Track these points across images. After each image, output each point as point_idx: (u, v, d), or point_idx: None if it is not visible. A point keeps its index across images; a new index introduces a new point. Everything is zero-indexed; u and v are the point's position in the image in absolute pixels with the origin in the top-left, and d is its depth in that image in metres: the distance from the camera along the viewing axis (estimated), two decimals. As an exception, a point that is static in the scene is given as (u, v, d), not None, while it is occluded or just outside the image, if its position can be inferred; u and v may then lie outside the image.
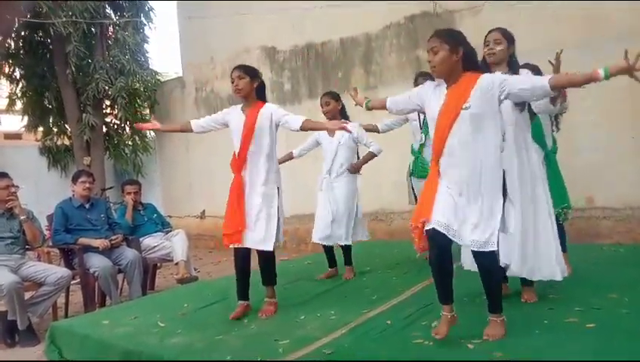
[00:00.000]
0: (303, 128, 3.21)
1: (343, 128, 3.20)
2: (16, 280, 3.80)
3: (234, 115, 3.40)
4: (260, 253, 3.32)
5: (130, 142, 9.32)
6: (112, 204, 6.52)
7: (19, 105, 9.11)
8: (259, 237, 3.25)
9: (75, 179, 4.71)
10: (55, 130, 9.05)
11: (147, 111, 9.30)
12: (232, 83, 3.32)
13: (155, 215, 5.41)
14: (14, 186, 4.20)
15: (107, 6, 8.57)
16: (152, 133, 9.43)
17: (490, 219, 2.44)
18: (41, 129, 9.13)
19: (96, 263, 4.30)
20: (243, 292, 3.36)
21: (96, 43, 8.37)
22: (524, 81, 2.50)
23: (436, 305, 2.64)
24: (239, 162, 3.31)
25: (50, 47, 8.49)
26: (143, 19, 8.88)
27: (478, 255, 2.48)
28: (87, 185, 4.63)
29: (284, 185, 3.44)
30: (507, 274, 2.97)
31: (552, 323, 2.66)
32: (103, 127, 8.86)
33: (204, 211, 8.76)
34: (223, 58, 8.29)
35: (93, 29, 8.24)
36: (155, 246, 5.02)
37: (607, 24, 5.06)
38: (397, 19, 6.61)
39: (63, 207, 4.56)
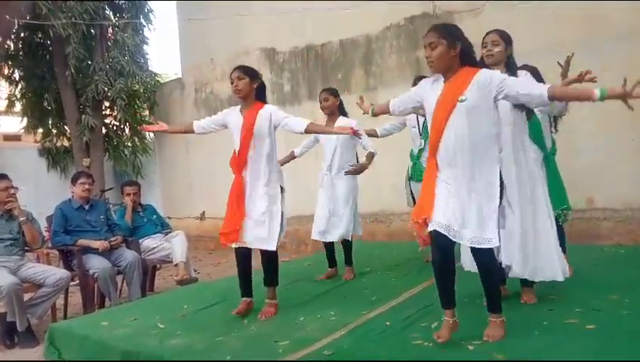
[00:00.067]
0: (307, 131, 3.21)
1: (353, 133, 3.22)
2: (16, 281, 3.79)
3: (233, 116, 3.40)
4: (263, 252, 3.32)
5: (129, 144, 9.31)
6: (111, 206, 6.52)
7: (18, 106, 9.11)
8: (262, 237, 3.24)
9: (74, 181, 4.70)
10: (54, 131, 9.04)
11: (147, 112, 9.31)
12: (232, 84, 3.31)
13: (155, 216, 5.40)
14: (14, 188, 4.20)
15: (107, 7, 8.56)
16: (152, 135, 9.42)
17: (487, 215, 2.43)
18: (40, 130, 9.12)
19: (96, 264, 4.29)
20: (246, 290, 3.37)
21: (96, 44, 8.37)
22: (523, 86, 2.50)
23: (436, 307, 2.65)
24: (240, 163, 3.31)
25: (50, 48, 8.48)
26: (142, 20, 8.87)
27: (477, 253, 2.48)
28: (87, 186, 4.63)
29: (285, 186, 3.43)
30: (509, 275, 2.97)
31: (552, 324, 2.66)
32: (103, 128, 8.85)
33: (203, 212, 8.75)
34: (223, 59, 8.29)
35: (92, 31, 8.22)
36: (154, 248, 5.01)
37: (607, 24, 5.05)
38: (397, 21, 6.61)
39: (62, 208, 4.55)
